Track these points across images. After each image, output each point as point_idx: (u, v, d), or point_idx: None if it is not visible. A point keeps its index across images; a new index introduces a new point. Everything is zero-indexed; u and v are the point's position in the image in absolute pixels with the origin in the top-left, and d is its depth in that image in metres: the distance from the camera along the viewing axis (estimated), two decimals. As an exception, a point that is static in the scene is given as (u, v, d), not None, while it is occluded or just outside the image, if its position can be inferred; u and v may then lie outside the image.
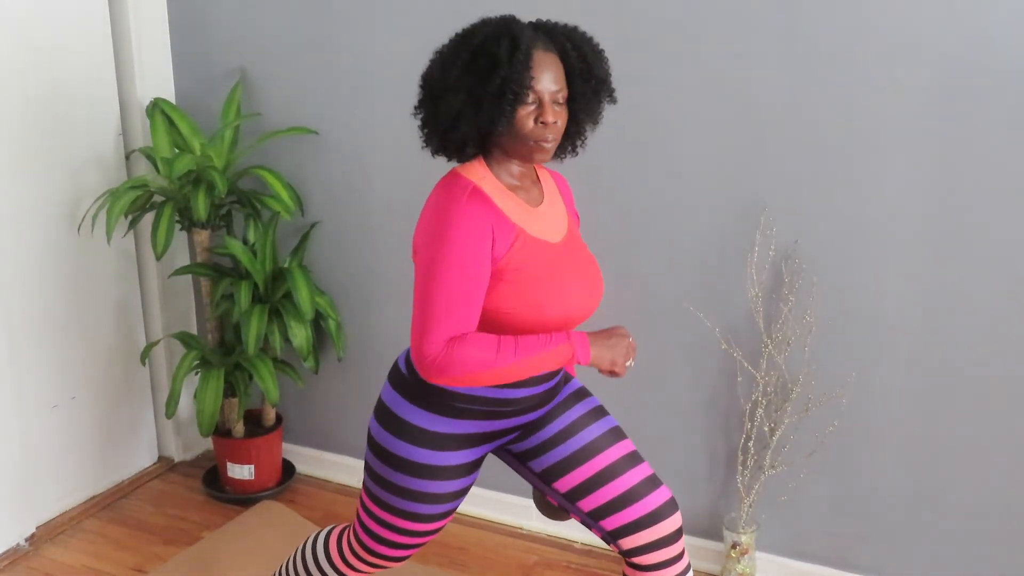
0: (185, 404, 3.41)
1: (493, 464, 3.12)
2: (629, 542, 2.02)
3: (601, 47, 1.88)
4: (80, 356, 3.17)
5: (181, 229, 3.14)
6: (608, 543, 2.07)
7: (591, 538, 2.97)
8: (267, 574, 2.79)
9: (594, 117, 1.91)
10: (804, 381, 2.61)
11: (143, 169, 3.20)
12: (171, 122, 3.07)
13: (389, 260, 3.09)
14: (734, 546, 2.74)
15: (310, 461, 3.42)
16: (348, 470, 3.35)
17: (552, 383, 2.01)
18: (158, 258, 3.00)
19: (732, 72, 2.51)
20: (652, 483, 2.04)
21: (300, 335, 3.06)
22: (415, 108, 1.89)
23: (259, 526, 3.07)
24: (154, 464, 3.48)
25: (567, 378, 2.12)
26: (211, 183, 2.93)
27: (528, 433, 2.05)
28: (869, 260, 2.49)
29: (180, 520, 3.17)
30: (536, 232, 1.86)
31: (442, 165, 1.94)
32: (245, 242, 3.14)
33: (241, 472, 3.23)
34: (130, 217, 3.09)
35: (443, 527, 2.08)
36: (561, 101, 1.81)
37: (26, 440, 3.01)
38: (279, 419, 3.33)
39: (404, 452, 1.96)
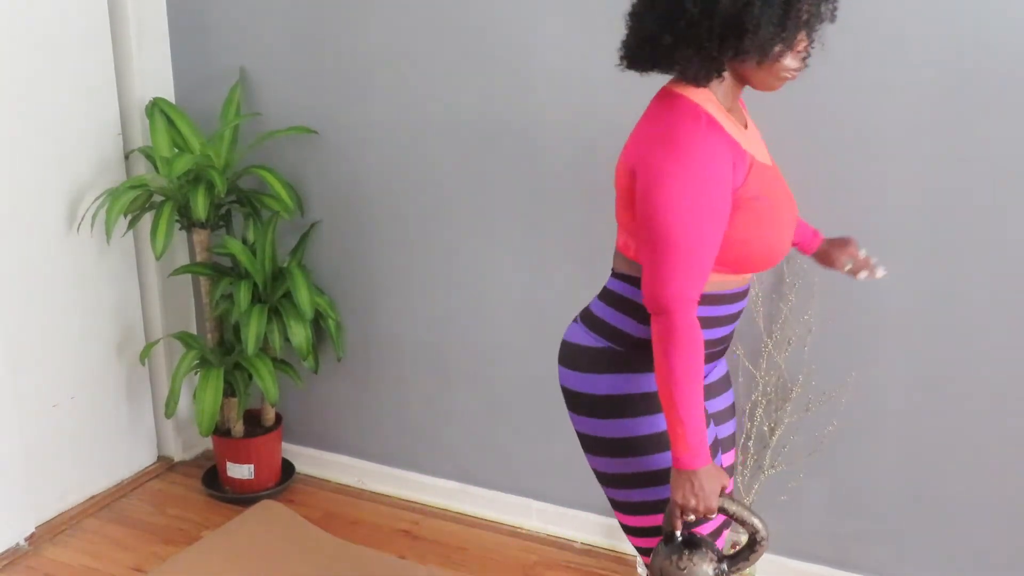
0: (185, 404, 3.40)
1: (493, 464, 3.13)
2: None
3: None
4: (80, 356, 3.17)
5: (180, 229, 3.14)
6: None
7: (591, 538, 2.97)
8: (266, 574, 2.79)
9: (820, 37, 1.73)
10: (804, 381, 2.61)
11: (142, 169, 3.20)
12: (170, 122, 3.07)
13: (389, 260, 3.09)
14: (733, 545, 2.74)
15: (309, 461, 3.42)
16: (347, 470, 3.35)
17: (734, 327, 1.87)
18: (158, 258, 3.00)
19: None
20: (731, 471, 1.98)
21: (299, 335, 3.06)
22: (661, 19, 1.63)
23: (258, 526, 3.07)
24: (154, 464, 3.48)
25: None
26: (210, 183, 2.93)
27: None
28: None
29: (180, 520, 3.17)
30: (759, 156, 1.73)
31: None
32: (245, 242, 3.14)
33: (241, 472, 3.23)
34: (129, 217, 3.09)
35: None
36: None
37: (26, 440, 3.01)
38: (279, 419, 3.33)
39: (660, 425, 1.77)
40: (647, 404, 1.79)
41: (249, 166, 3.08)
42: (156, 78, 3.21)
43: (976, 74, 2.28)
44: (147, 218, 3.17)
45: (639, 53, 1.70)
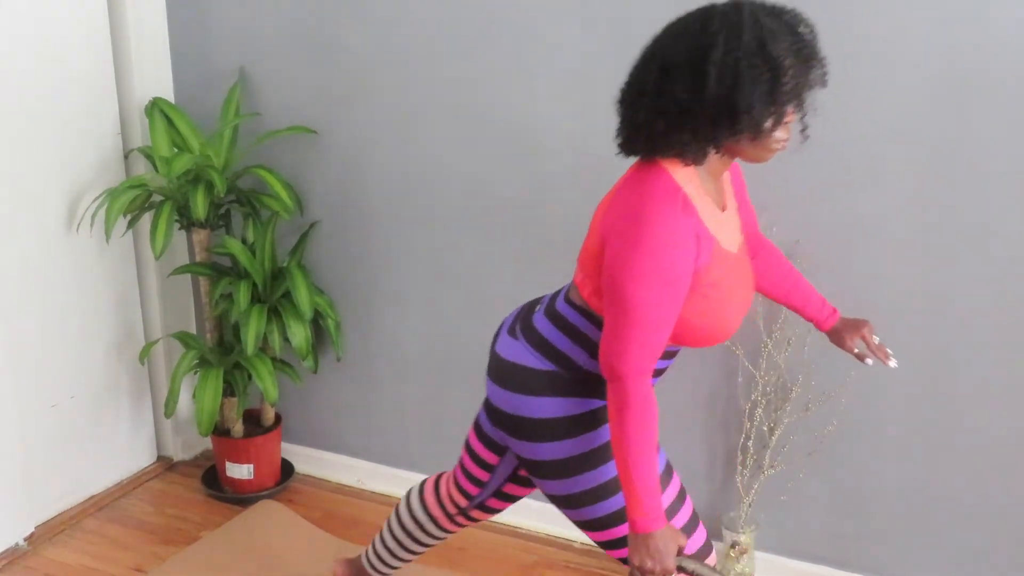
0: (184, 404, 3.40)
1: (492, 464, 3.12)
2: None
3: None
4: (79, 355, 3.17)
5: (180, 228, 3.13)
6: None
7: (590, 538, 2.97)
8: (266, 574, 2.79)
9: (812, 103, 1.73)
10: (803, 381, 2.61)
11: (142, 168, 3.20)
12: (170, 121, 3.07)
13: (388, 260, 3.09)
14: (733, 545, 2.74)
15: (309, 461, 3.42)
16: (347, 469, 3.35)
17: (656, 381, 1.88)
18: (157, 257, 3.00)
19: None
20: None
21: (299, 335, 3.06)
22: (651, 107, 1.66)
23: (258, 526, 3.07)
24: (153, 464, 3.47)
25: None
26: (210, 182, 2.93)
27: None
28: (868, 260, 2.49)
29: (179, 520, 3.16)
30: (725, 243, 1.74)
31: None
32: (244, 241, 3.14)
33: (240, 472, 3.22)
34: (129, 216, 3.09)
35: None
36: None
37: (25, 439, 3.01)
38: (278, 419, 3.32)
39: (601, 438, 1.84)
40: (593, 419, 1.84)
41: (249, 166, 3.08)
42: (156, 78, 3.21)
43: (975, 73, 2.29)
44: (146, 218, 3.17)
45: (635, 140, 1.71)
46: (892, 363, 2.04)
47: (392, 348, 3.17)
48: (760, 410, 2.66)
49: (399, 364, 3.17)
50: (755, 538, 2.75)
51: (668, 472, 1.93)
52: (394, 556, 2.36)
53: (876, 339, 2.07)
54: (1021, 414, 2.45)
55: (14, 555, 2.96)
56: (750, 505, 2.72)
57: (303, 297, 3.00)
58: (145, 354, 3.23)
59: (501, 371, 1.91)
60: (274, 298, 3.08)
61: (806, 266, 2.54)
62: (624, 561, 1.94)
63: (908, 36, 2.32)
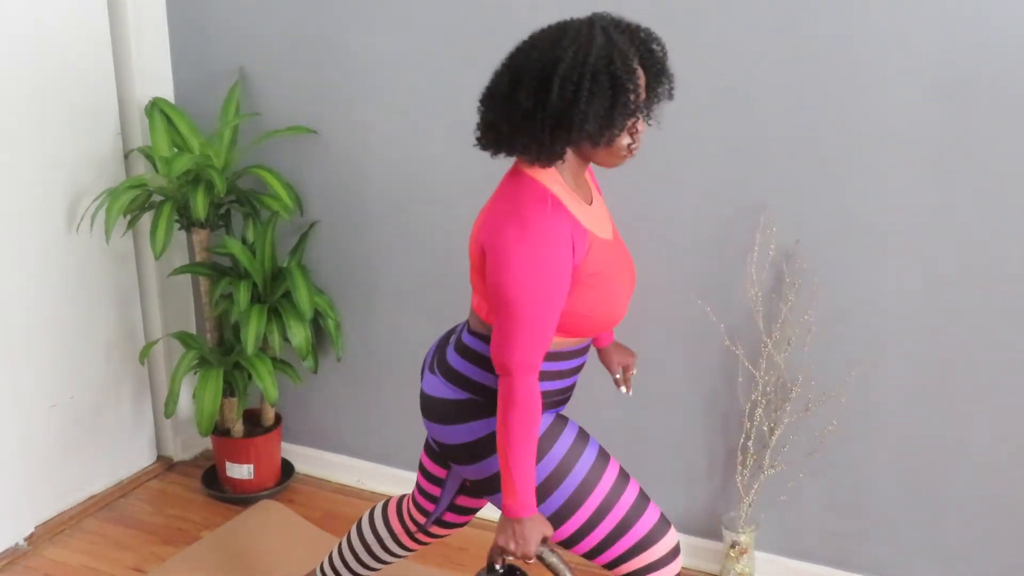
0: (184, 404, 3.40)
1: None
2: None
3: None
4: (79, 356, 3.17)
5: (180, 228, 3.13)
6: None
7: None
8: (266, 574, 2.79)
9: (656, 114, 1.85)
10: (803, 381, 2.61)
11: (142, 168, 3.20)
12: (170, 121, 3.07)
13: (388, 260, 3.09)
14: (733, 545, 2.74)
15: (309, 460, 3.42)
16: (347, 469, 3.35)
17: (576, 378, 2.00)
18: (157, 257, 3.00)
19: (732, 72, 2.51)
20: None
21: (299, 335, 3.06)
22: (500, 109, 1.77)
23: (258, 526, 3.07)
24: (153, 464, 3.47)
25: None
26: (210, 182, 2.93)
27: None
28: (869, 260, 2.49)
29: (179, 520, 3.17)
30: (599, 232, 1.84)
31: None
32: (244, 241, 3.14)
33: (240, 472, 3.22)
34: (129, 216, 3.09)
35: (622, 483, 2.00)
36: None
37: (25, 440, 3.01)
38: (278, 419, 3.33)
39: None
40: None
41: (249, 166, 3.08)
42: (156, 78, 3.21)
43: (974, 74, 2.29)
44: (146, 218, 3.17)
45: (487, 138, 1.82)
46: (625, 391, 2.23)
47: (392, 348, 3.17)
48: (760, 410, 2.66)
49: (399, 364, 3.17)
50: (755, 538, 2.75)
51: (585, 433, 1.99)
52: (348, 569, 2.41)
53: (635, 371, 2.24)
54: (1021, 414, 2.45)
55: (14, 555, 2.96)
56: (750, 505, 2.72)
57: (303, 297, 3.00)
58: (145, 354, 3.23)
59: (428, 406, 2.01)
60: (274, 298, 3.08)
61: (806, 266, 2.54)
62: (589, 556, 1.99)
63: (908, 36, 2.32)
